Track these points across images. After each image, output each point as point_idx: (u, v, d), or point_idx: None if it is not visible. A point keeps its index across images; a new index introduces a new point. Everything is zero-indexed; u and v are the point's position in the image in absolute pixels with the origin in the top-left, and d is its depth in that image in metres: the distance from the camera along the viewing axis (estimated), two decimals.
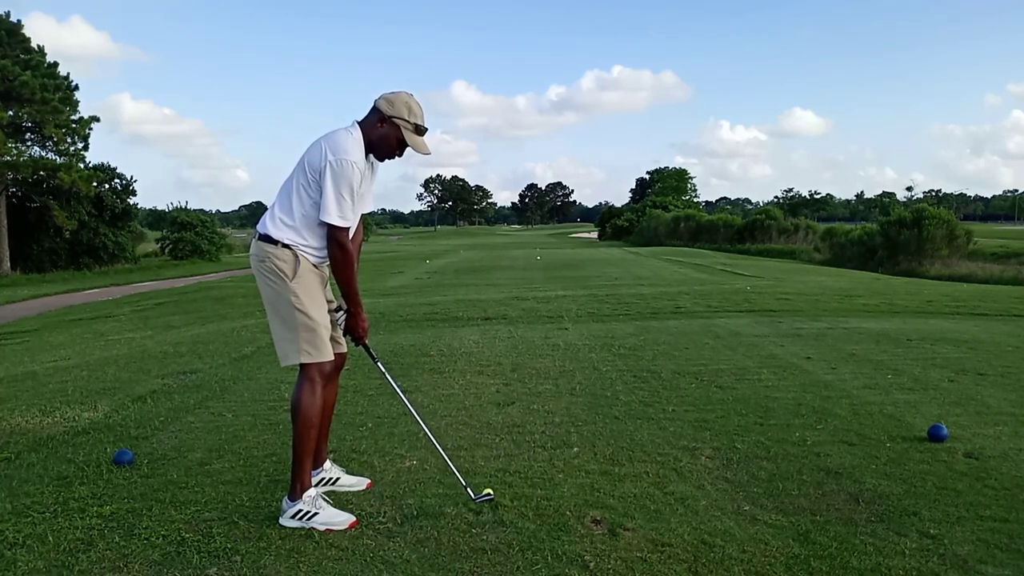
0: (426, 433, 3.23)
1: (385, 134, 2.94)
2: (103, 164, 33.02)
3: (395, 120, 2.92)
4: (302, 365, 2.93)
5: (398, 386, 3.27)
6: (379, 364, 3.19)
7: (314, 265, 2.97)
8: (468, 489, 3.04)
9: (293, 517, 2.88)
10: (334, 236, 2.88)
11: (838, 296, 11.42)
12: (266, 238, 2.91)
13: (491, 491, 3.08)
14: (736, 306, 9.95)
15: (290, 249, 2.89)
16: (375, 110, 2.96)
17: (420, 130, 2.96)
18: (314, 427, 2.94)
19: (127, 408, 4.79)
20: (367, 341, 3.14)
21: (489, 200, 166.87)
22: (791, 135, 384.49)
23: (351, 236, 2.97)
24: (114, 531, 2.82)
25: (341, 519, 2.88)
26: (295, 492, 2.92)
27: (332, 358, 3.00)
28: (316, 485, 3.07)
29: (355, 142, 2.88)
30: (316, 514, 2.87)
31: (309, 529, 2.81)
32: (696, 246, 46.05)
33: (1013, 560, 2.58)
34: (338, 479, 3.24)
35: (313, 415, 2.92)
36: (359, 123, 2.97)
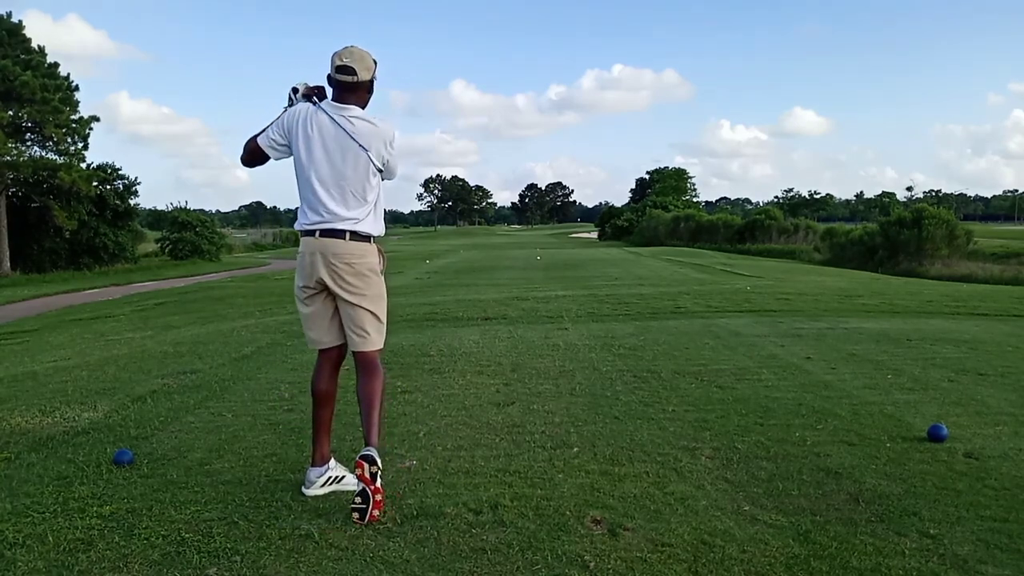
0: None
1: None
2: (105, 164, 33.01)
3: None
4: None
5: None
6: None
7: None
8: None
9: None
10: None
11: (838, 296, 11.42)
12: None
13: None
14: (736, 306, 9.95)
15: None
16: None
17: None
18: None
19: (127, 408, 4.79)
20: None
21: (489, 200, 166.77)
22: (792, 135, 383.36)
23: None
24: (114, 531, 2.82)
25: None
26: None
27: (313, 347, 3.25)
28: (323, 485, 3.17)
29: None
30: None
31: (308, 530, 2.81)
32: (696, 246, 46.04)
33: (1013, 560, 2.58)
34: (343, 477, 3.25)
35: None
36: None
